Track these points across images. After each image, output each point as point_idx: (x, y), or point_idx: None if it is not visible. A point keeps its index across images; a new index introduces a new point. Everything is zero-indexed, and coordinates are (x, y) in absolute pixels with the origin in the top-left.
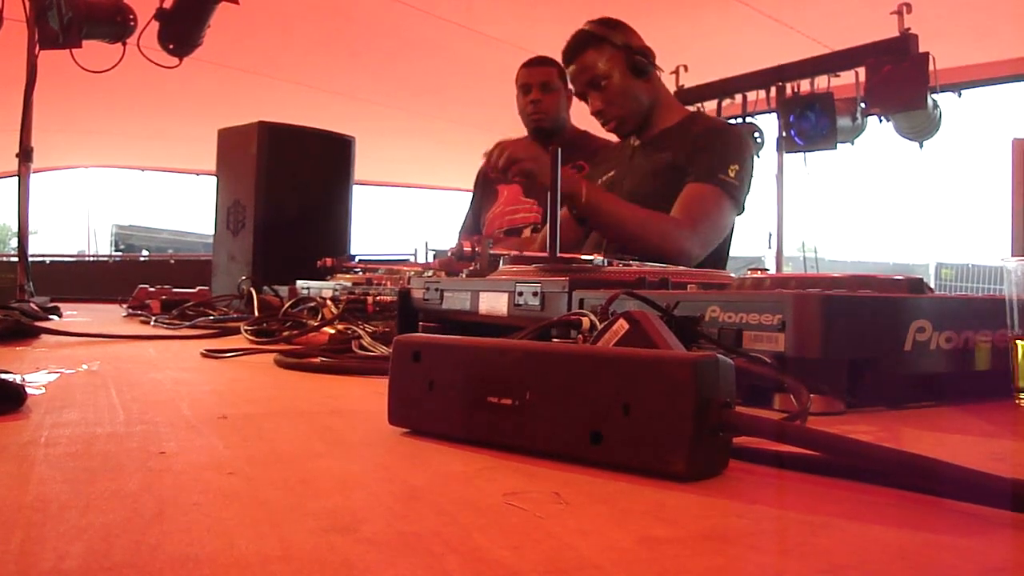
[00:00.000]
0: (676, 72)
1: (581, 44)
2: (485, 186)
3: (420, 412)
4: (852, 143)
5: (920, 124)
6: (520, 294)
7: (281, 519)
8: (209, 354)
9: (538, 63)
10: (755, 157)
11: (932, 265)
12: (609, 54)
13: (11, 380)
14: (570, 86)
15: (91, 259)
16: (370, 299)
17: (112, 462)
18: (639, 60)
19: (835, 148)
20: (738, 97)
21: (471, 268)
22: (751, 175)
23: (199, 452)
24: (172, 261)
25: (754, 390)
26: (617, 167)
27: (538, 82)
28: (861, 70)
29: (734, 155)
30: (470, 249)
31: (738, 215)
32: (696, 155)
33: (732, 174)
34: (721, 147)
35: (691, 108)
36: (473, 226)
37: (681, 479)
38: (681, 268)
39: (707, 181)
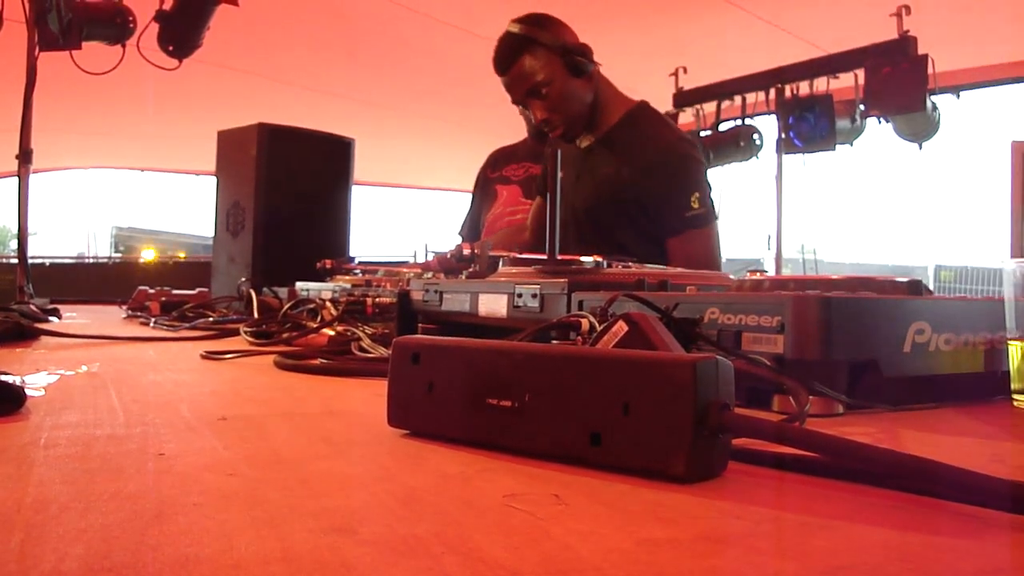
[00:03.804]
0: (675, 74)
1: (513, 50)
2: (485, 187)
3: (419, 414)
4: (851, 145)
5: (919, 126)
6: (519, 296)
7: (281, 520)
8: (209, 356)
9: None
10: (704, 165)
11: (931, 267)
12: (545, 58)
13: (11, 382)
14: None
15: (90, 261)
16: (369, 301)
17: (112, 463)
18: (579, 60)
19: (834, 150)
20: (737, 99)
21: (470, 270)
22: (709, 186)
23: (199, 453)
24: (172, 263)
25: (753, 392)
26: (570, 168)
27: None
28: (860, 72)
29: (690, 184)
30: (470, 251)
31: (718, 220)
32: (653, 195)
33: (696, 204)
34: (675, 181)
35: (635, 99)
36: (473, 227)
37: (680, 480)
38: (681, 270)
39: (682, 229)
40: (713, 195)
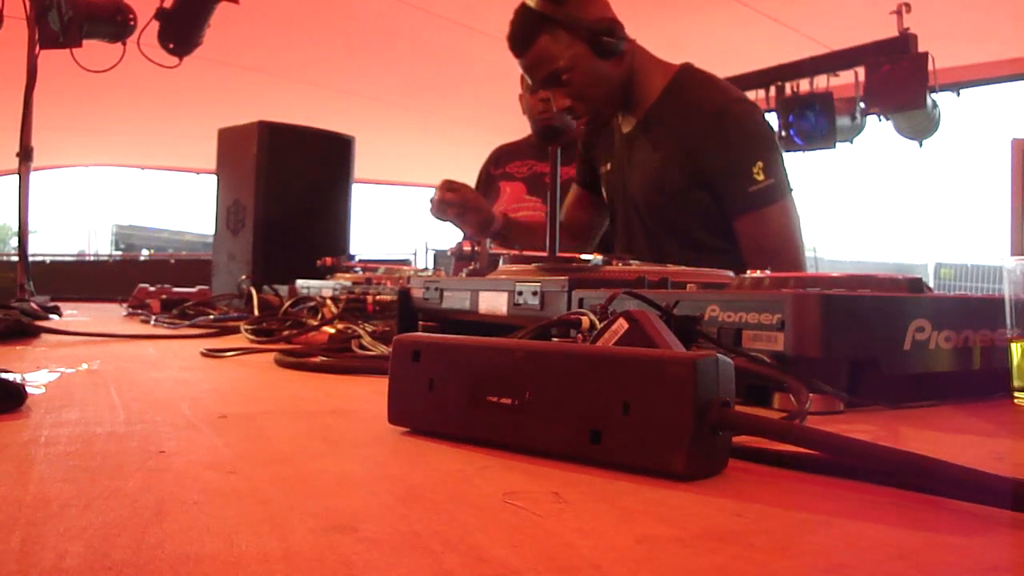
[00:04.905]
0: None
1: (530, 30)
2: (488, 183)
3: (420, 411)
4: (851, 142)
5: (919, 123)
6: (520, 293)
7: (281, 518)
8: (209, 353)
9: None
10: (768, 127)
11: (931, 265)
12: (567, 40)
13: (11, 379)
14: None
15: (91, 259)
16: (370, 298)
17: (112, 461)
18: (606, 42)
19: (834, 147)
20: None
21: (471, 268)
22: (777, 151)
23: (199, 451)
24: (172, 261)
25: (753, 389)
26: (614, 157)
27: None
28: (860, 70)
29: (751, 151)
30: (469, 249)
31: (792, 191)
32: (713, 172)
33: (761, 175)
34: (732, 150)
35: (676, 64)
36: None
37: (681, 478)
38: (681, 268)
39: (747, 208)
40: (784, 162)
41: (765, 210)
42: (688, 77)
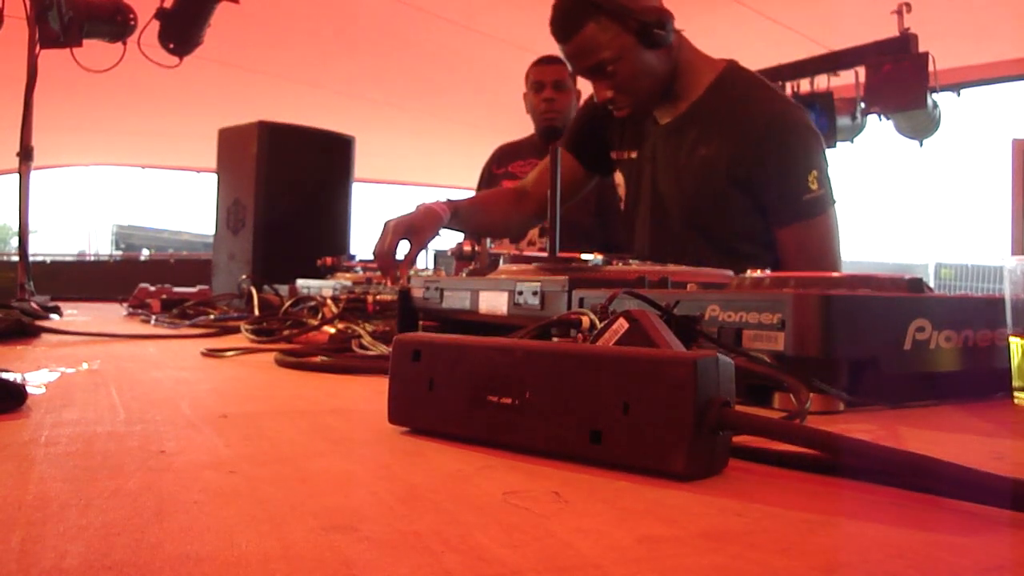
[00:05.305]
0: None
1: (577, 16)
2: (490, 182)
3: (420, 411)
4: (852, 142)
5: (920, 123)
6: (520, 293)
7: (281, 518)
8: (209, 353)
9: (552, 61)
10: (819, 134)
11: (931, 265)
12: (614, 31)
13: (12, 379)
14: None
15: (91, 258)
16: (370, 298)
17: (112, 461)
18: (656, 34)
19: (834, 147)
20: None
21: (471, 267)
22: (827, 159)
23: (199, 451)
24: (172, 261)
25: (754, 389)
26: (641, 147)
27: (551, 80)
28: (861, 69)
29: (808, 160)
30: (470, 249)
31: (835, 203)
32: (766, 177)
33: (815, 184)
34: (789, 158)
35: (722, 60)
36: None
37: (681, 478)
38: (682, 267)
39: (798, 218)
40: (830, 171)
41: (814, 220)
42: (737, 75)
